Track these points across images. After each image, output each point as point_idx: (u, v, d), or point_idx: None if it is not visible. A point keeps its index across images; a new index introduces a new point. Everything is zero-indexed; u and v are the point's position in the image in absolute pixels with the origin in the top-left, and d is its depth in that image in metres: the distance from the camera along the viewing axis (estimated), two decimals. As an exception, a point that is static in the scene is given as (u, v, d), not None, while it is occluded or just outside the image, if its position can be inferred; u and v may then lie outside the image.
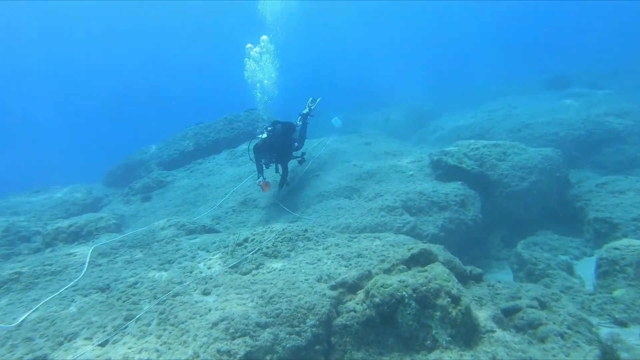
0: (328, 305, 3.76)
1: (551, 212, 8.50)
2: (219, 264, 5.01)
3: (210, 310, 3.67)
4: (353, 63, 48.70)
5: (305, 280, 4.17)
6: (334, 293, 3.93)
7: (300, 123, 10.73)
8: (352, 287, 4.05)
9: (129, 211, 10.85)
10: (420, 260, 4.29)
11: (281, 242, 5.55)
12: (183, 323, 3.55)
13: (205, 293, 4.06)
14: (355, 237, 5.76)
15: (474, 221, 7.64)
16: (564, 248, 7.24)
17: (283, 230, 5.92)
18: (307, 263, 4.71)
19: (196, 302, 3.87)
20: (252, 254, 5.24)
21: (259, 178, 8.75)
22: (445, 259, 4.55)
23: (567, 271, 6.12)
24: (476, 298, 4.27)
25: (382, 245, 5.13)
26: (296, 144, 10.03)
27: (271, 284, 4.09)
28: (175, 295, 4.11)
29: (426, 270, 4.02)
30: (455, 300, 3.69)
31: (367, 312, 3.69)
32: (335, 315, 3.77)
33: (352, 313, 3.74)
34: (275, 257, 5.14)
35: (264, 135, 8.68)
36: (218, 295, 3.92)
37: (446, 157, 9.12)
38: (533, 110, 14.14)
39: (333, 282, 4.08)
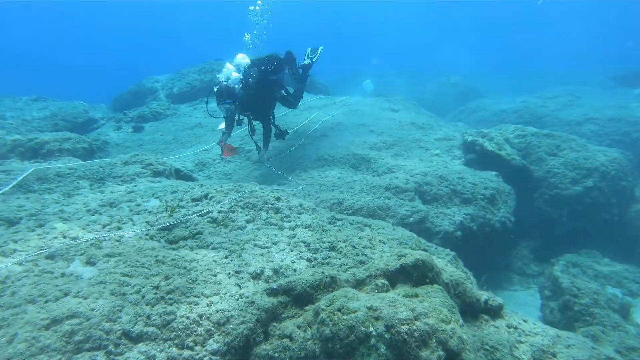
0: (253, 320, 2.39)
1: (604, 228, 6.77)
2: (157, 221, 3.70)
3: (57, 299, 2.32)
4: (411, 32, 45.56)
5: (235, 272, 2.80)
6: (269, 302, 2.54)
7: (300, 72, 8.43)
8: (300, 298, 2.66)
9: (116, 139, 9.73)
10: (412, 276, 2.83)
11: (242, 208, 4.18)
12: (16, 308, 2.25)
13: (90, 263, 2.74)
14: (340, 220, 4.32)
15: (503, 224, 6.05)
16: (617, 278, 5.60)
17: (250, 192, 4.54)
18: (255, 245, 3.32)
19: (62, 274, 2.56)
20: (198, 216, 3.90)
21: (222, 136, 6.76)
22: (451, 279, 3.06)
23: (621, 313, 4.53)
24: (488, 348, 2.81)
25: (369, 239, 3.68)
26: (283, 92, 7.54)
27: (184, 268, 2.73)
28: (51, 256, 2.82)
29: (417, 296, 2.57)
30: (453, 357, 2.26)
31: (309, 347, 2.31)
32: (261, 338, 2.41)
33: (286, 341, 2.37)
34: (226, 226, 3.78)
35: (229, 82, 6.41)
36: (99, 271, 2.60)
37: (483, 139, 7.41)
38: (601, 103, 11.87)
39: (274, 285, 2.69)
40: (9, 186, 4.68)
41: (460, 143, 8.15)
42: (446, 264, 3.64)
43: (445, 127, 9.27)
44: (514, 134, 7.83)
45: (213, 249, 3.15)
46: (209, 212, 3.98)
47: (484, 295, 3.25)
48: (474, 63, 25.30)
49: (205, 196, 4.62)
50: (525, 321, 3.36)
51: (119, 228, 3.44)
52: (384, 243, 3.64)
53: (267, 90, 6.98)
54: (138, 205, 4.50)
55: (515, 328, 3.16)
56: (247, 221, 3.95)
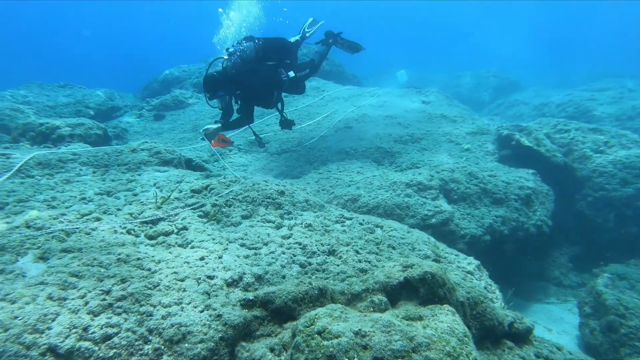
0: (216, 338, 1.99)
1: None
2: (148, 214, 3.38)
3: None
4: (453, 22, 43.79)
5: (208, 277, 2.40)
6: (240, 316, 2.14)
7: (318, 50, 7.12)
8: (280, 312, 2.23)
9: (136, 127, 9.65)
10: (419, 292, 2.34)
11: (240, 202, 3.80)
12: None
13: (43, 258, 2.43)
14: (349, 219, 3.85)
15: (539, 228, 5.38)
16: (672, 298, 4.82)
17: (252, 185, 4.15)
18: (242, 244, 2.92)
19: (1, 271, 2.24)
20: (189, 209, 3.56)
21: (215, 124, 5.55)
22: (468, 297, 2.54)
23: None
24: (508, 385, 2.29)
25: (377, 243, 3.20)
26: (285, 76, 5.99)
27: (148, 269, 2.37)
28: (1, 248, 2.53)
29: (421, 319, 2.09)
30: (460, 403, 1.77)
31: (280, 376, 1.90)
32: (228, 360, 2.00)
33: (256, 367, 1.96)
34: (218, 221, 3.41)
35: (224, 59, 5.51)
36: (47, 269, 2.27)
37: (520, 134, 6.69)
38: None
39: (250, 295, 2.28)
40: (9, 174, 4.52)
41: (495, 138, 7.44)
42: (465, 276, 3.11)
43: (479, 120, 8.54)
44: (555, 128, 7.04)
45: (192, 247, 2.77)
46: (202, 205, 3.63)
47: (508, 316, 2.70)
48: (514, 55, 23.84)
49: (206, 187, 4.28)
50: (559, 349, 2.79)
51: (98, 219, 3.14)
52: (393, 248, 3.16)
53: (261, 73, 5.71)
54: (135, 195, 4.23)
55: (546, 359, 2.61)
56: (243, 217, 3.57)
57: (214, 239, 2.89)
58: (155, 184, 4.67)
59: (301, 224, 3.43)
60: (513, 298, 3.90)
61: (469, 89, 17.06)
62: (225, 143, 5.64)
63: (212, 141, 5.46)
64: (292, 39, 6.69)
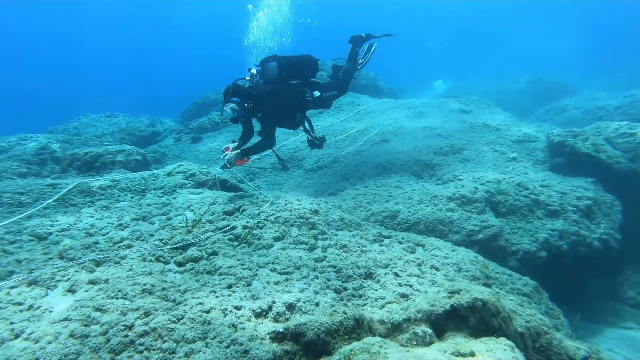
0: (243, 377, 1.80)
1: None
2: (178, 239, 3.31)
3: (1, 344, 1.89)
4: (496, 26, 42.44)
5: (235, 308, 2.23)
6: (268, 351, 1.94)
7: (346, 68, 6.63)
8: (312, 346, 2.01)
9: (174, 150, 9.90)
10: (468, 321, 2.04)
11: (272, 223, 3.65)
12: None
13: (71, 290, 2.36)
14: (388, 238, 3.59)
15: (605, 243, 4.83)
16: None
17: (285, 204, 4.00)
18: (272, 270, 2.74)
19: (30, 307, 2.18)
20: (220, 233, 3.45)
21: (233, 142, 5.24)
22: (528, 327, 2.21)
23: None
24: None
25: (419, 264, 2.92)
26: (309, 96, 5.65)
27: (173, 301, 2.23)
28: (34, 282, 2.49)
29: (473, 355, 1.80)
30: None
31: (313, 422, 1.67)
32: (255, 401, 1.80)
33: (285, 410, 1.74)
34: (249, 244, 3.27)
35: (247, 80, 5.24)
36: (73, 303, 2.18)
37: (575, 139, 6.16)
38: None
39: (280, 327, 2.08)
40: (52, 199, 4.66)
41: (544, 145, 6.91)
42: (521, 300, 2.75)
43: (526, 127, 8.01)
44: (616, 132, 6.43)
45: (219, 274, 2.63)
46: (232, 227, 3.51)
47: (580, 349, 2.32)
48: (559, 58, 22.64)
49: (238, 209, 4.19)
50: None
51: (129, 246, 3.09)
52: (437, 270, 2.86)
53: (283, 94, 5.32)
54: (169, 219, 4.19)
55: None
56: (275, 239, 3.40)
57: (242, 265, 2.74)
58: (189, 207, 4.63)
59: (336, 244, 3.22)
60: (582, 323, 3.44)
61: (513, 96, 16.28)
62: (244, 160, 5.34)
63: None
64: (338, 65, 6.63)
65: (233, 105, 4.86)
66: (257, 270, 2.68)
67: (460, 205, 4.89)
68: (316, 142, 6.02)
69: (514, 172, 5.75)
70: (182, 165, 6.19)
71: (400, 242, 3.49)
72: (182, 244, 3.10)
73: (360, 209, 5.28)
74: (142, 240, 3.34)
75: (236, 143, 5.20)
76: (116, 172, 6.39)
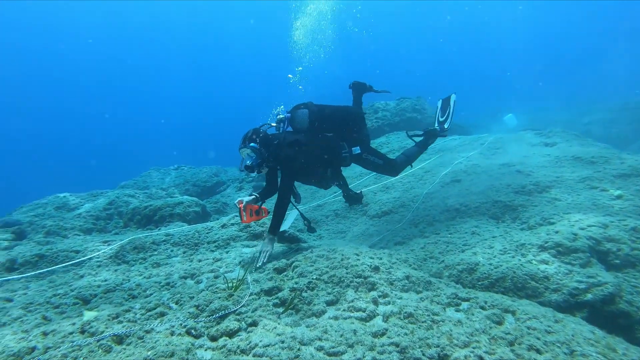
0: None
1: None
2: (216, 304, 2.94)
3: None
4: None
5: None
6: None
7: (419, 140, 5.93)
8: None
9: (235, 199, 9.91)
10: None
11: (325, 283, 3.15)
12: None
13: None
14: (467, 301, 2.90)
15: None
16: None
17: (341, 259, 3.49)
18: (319, 348, 2.21)
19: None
20: (265, 296, 3.01)
21: (251, 195, 4.62)
22: None
23: None
24: None
25: (511, 343, 2.20)
26: (346, 152, 4.89)
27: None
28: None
29: None
30: None
31: None
32: None
33: None
34: (297, 311, 2.78)
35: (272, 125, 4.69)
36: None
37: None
38: None
39: None
40: (102, 253, 4.61)
41: (657, 178, 5.73)
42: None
43: (631, 158, 6.80)
44: None
45: (254, 355, 2.15)
46: (278, 289, 3.06)
47: None
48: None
49: (290, 265, 3.75)
50: None
51: (162, 314, 2.75)
52: (538, 353, 2.12)
53: (312, 146, 4.55)
54: (216, 277, 3.88)
55: None
56: (328, 303, 2.88)
57: (282, 342, 2.24)
58: (240, 262, 4.31)
59: (399, 313, 2.61)
60: None
61: (603, 125, 14.54)
62: (259, 215, 4.58)
63: (245, 219, 4.46)
64: (411, 135, 5.87)
65: (249, 150, 4.26)
66: (299, 349, 2.17)
67: (557, 255, 4.01)
68: (354, 197, 5.28)
69: (624, 214, 4.71)
70: (237, 216, 6.00)
71: (483, 308, 2.78)
72: (217, 315, 2.69)
73: (431, 260, 4.59)
74: (181, 304, 3.00)
75: (253, 196, 4.54)
76: (172, 226, 6.37)
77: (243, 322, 2.61)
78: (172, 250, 4.87)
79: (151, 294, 3.38)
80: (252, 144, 4.28)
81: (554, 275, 3.76)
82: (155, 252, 4.83)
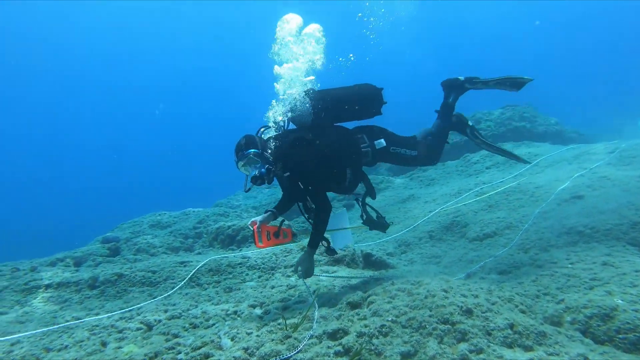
0: None
1: None
2: (268, 348, 2.60)
3: None
4: None
5: None
6: None
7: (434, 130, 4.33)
8: None
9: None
10: None
11: (402, 328, 2.58)
12: None
13: None
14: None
15: None
16: None
17: (425, 297, 2.89)
18: None
19: None
20: (326, 342, 2.57)
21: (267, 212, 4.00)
22: None
23: None
24: None
25: None
26: (366, 146, 3.89)
27: None
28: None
29: None
30: None
31: None
32: None
33: None
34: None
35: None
36: None
37: None
38: None
39: None
40: (173, 289, 4.58)
41: None
42: None
43: None
44: None
45: None
46: (344, 332, 2.58)
47: None
48: None
49: (365, 300, 3.26)
50: None
51: (207, 357, 2.47)
52: None
53: (323, 141, 3.68)
54: (285, 308, 3.55)
55: None
56: (403, 355, 2.32)
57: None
58: (315, 292, 3.92)
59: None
60: None
61: None
62: (278, 239, 3.90)
63: (260, 243, 3.81)
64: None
65: (249, 158, 3.48)
66: None
67: None
68: (375, 222, 4.14)
69: None
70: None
71: (628, 382, 1.96)
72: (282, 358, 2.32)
73: (545, 298, 3.66)
74: (238, 341, 2.70)
75: (269, 212, 3.93)
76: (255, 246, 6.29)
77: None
78: (247, 274, 4.71)
79: (212, 325, 3.16)
80: (251, 150, 3.49)
81: None
82: (230, 276, 4.71)
